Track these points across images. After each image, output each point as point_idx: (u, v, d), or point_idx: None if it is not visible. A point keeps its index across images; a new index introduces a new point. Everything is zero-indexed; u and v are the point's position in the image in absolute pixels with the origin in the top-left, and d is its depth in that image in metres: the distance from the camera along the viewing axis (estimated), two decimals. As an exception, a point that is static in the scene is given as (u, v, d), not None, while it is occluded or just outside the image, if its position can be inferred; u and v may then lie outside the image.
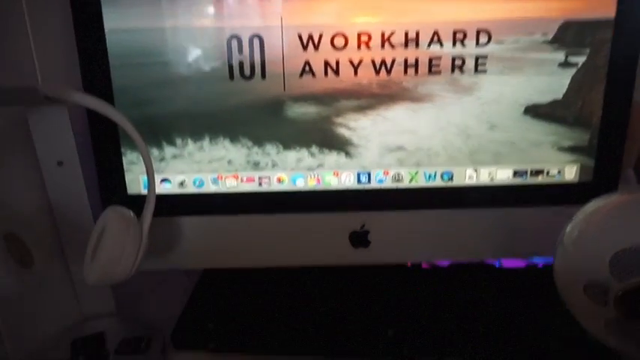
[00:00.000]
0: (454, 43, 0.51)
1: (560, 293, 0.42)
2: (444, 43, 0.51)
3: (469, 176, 0.56)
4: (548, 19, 0.51)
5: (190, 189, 0.57)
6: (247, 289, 0.63)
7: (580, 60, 0.52)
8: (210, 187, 0.57)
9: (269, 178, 0.56)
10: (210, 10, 0.50)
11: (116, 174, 0.56)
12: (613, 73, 0.52)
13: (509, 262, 0.66)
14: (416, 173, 0.56)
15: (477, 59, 0.52)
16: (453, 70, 0.52)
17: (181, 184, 0.56)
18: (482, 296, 0.59)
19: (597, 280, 0.38)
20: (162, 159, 0.55)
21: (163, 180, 0.56)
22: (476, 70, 0.52)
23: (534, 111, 0.54)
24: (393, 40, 0.51)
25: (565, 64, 0.52)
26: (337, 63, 0.52)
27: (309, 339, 0.56)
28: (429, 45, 0.51)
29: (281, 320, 0.58)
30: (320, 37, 0.51)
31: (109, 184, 0.56)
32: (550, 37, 0.51)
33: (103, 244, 0.50)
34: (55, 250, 0.59)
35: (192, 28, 0.51)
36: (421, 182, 0.56)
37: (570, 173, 0.56)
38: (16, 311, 0.55)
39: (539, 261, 0.67)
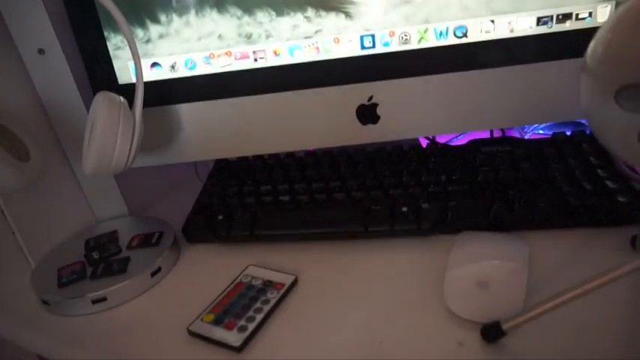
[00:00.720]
0: None
1: (586, 112, 0.35)
2: None
3: (485, 30, 0.49)
4: None
5: (182, 72, 0.51)
6: (256, 178, 0.58)
7: None
8: (203, 68, 0.51)
9: (264, 52, 0.50)
10: None
11: (103, 62, 0.51)
12: None
13: (533, 135, 0.60)
14: (425, 31, 0.49)
15: None
16: None
17: (172, 67, 0.51)
18: (503, 169, 0.53)
19: (632, 82, 0.31)
20: (148, 40, 0.50)
21: (153, 64, 0.51)
22: None
23: None
24: None
25: None
26: None
27: (319, 223, 0.52)
28: None
29: (290, 206, 0.54)
30: None
31: (97, 74, 0.51)
32: None
33: (95, 131, 0.46)
34: (54, 148, 0.56)
35: None
36: (432, 41, 0.49)
37: (604, 14, 0.48)
38: (29, 215, 0.53)
39: (567, 129, 0.60)
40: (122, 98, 0.47)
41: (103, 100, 0.46)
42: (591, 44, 0.33)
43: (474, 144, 0.58)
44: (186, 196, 0.62)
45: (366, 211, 0.50)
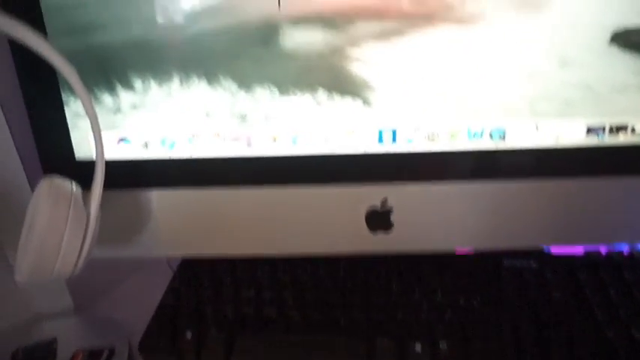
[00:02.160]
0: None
1: None
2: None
3: (527, 134, 0.39)
4: None
5: (158, 151, 0.40)
6: (237, 276, 0.45)
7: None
8: (184, 149, 0.40)
9: (261, 137, 0.39)
10: None
11: (58, 132, 0.38)
12: None
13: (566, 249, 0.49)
14: (457, 130, 0.39)
15: (547, -35, 0.35)
16: (514, -18, 0.35)
17: (145, 144, 0.40)
18: (532, 296, 0.42)
19: None
20: (117, 110, 0.38)
21: (121, 140, 0.39)
22: (546, -19, 0.35)
23: (626, 38, 0.36)
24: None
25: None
26: (353, -29, 0.35)
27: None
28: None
29: (277, 324, 0.40)
30: None
31: (49, 146, 0.38)
32: None
33: (34, 230, 0.33)
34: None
35: None
36: (463, 142, 0.39)
37: (665, 129, 0.39)
38: None
39: (609, 248, 0.50)
40: (75, 185, 0.35)
41: (47, 189, 0.33)
42: None
43: (496, 256, 0.47)
44: (151, 286, 0.47)
45: (370, 345, 0.38)
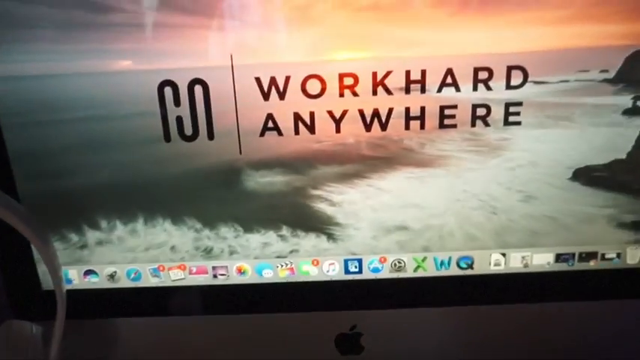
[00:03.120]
0: (475, 86, 0.33)
1: None
2: (462, 85, 0.33)
3: (495, 262, 0.38)
4: (611, 50, 0.32)
5: (124, 282, 0.39)
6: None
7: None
8: (149, 280, 0.39)
9: (226, 269, 0.38)
10: (130, 45, 0.33)
11: (23, 264, 0.38)
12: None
13: None
14: (423, 260, 0.37)
15: (507, 107, 0.33)
16: (473, 123, 0.33)
17: (111, 276, 0.38)
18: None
19: None
20: (83, 245, 0.37)
21: (88, 272, 0.38)
22: (506, 121, 0.33)
23: (586, 176, 0.35)
24: (390, 82, 0.32)
25: (633, 111, 0.34)
26: (312, 116, 0.33)
27: None
28: (440, 89, 0.32)
29: None
30: (287, 81, 0.32)
31: (15, 279, 0.38)
32: (613, 74, 0.33)
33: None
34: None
35: (109, 72, 0.32)
36: (430, 271, 0.37)
37: (634, 257, 0.37)
38: None
39: None
40: (35, 328, 0.34)
41: (5, 336, 0.33)
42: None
43: None
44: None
45: None
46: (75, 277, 0.37)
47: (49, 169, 0.34)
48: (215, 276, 0.37)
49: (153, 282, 0.37)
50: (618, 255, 0.36)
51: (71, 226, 0.36)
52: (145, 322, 0.38)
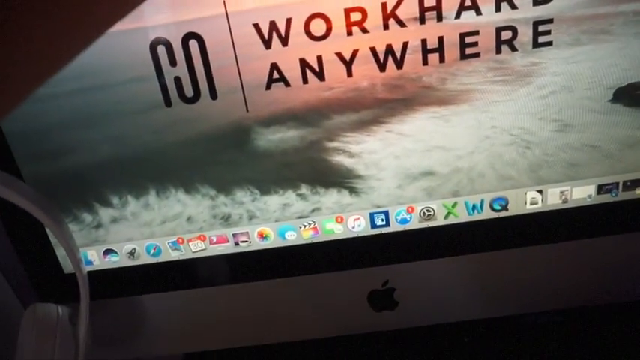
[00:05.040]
0: (498, 6, 0.29)
1: None
2: (482, 7, 0.29)
3: (531, 201, 0.34)
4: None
5: (144, 259, 0.37)
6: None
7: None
8: (170, 254, 0.37)
9: (247, 235, 0.36)
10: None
11: (41, 248, 0.37)
12: None
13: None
14: (454, 206, 0.34)
15: (535, 26, 0.29)
16: (498, 50, 0.29)
17: (131, 253, 0.37)
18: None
19: None
20: (98, 225, 0.35)
21: (107, 251, 0.37)
22: (535, 43, 0.29)
23: (630, 95, 0.30)
24: (402, 13, 0.28)
25: (681, 16, 0.30)
26: (319, 61, 0.30)
27: None
28: (459, 14, 0.29)
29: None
30: (288, 23, 0.29)
31: (35, 265, 0.37)
32: (657, -26, 0.29)
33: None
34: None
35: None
36: (462, 217, 0.34)
37: (685, 180, 0.34)
38: None
39: None
40: (61, 309, 0.33)
41: (32, 319, 0.32)
42: None
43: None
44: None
45: None
46: (95, 258, 0.36)
47: (49, 148, 0.32)
48: (237, 243, 0.35)
49: (174, 255, 0.36)
50: (667, 180, 0.33)
51: (82, 206, 0.34)
52: (170, 296, 0.37)
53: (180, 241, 0.35)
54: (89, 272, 0.34)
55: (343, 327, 0.38)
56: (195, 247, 0.36)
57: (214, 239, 0.35)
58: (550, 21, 0.29)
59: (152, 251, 0.36)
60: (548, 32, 0.29)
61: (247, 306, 0.37)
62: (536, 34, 0.29)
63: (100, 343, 0.38)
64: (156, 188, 0.33)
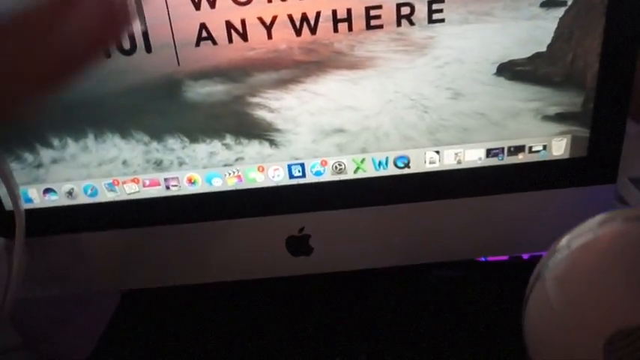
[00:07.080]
0: (398, -15, 0.35)
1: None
2: (385, -16, 0.35)
3: (430, 160, 0.40)
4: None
5: (82, 199, 0.41)
6: (175, 313, 0.47)
7: (570, -4, 0.35)
8: (106, 195, 0.41)
9: (177, 180, 0.41)
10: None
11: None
12: (615, 11, 0.35)
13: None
14: (362, 161, 0.40)
15: (430, 4, 0.34)
16: (399, 23, 0.35)
17: (69, 193, 0.41)
18: (463, 296, 0.45)
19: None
20: (39, 165, 0.39)
21: (47, 190, 0.41)
22: (430, 19, 0.35)
23: (510, 70, 0.37)
24: (315, -15, 0.34)
25: (550, 3, 0.35)
26: (243, 23, 0.34)
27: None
28: (365, -11, 0.35)
29: (215, 353, 0.44)
30: (215, -12, 0.34)
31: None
32: (528, -35, 0.34)
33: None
34: None
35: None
36: (370, 172, 0.40)
37: (559, 148, 0.39)
38: None
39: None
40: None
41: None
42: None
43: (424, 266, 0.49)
44: (96, 317, 0.50)
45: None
46: (35, 196, 0.40)
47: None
48: (168, 187, 0.40)
49: (109, 196, 0.40)
50: (544, 147, 0.39)
51: (24, 146, 0.38)
52: (107, 235, 0.41)
53: (116, 183, 0.39)
54: (30, 210, 0.38)
55: (265, 270, 0.43)
56: (130, 190, 0.40)
57: (147, 182, 0.39)
58: (442, 1, 0.34)
59: (89, 192, 0.40)
60: (440, 10, 0.34)
61: (177, 247, 0.42)
62: (430, 11, 0.34)
63: (39, 279, 0.41)
64: (94, 132, 0.37)
